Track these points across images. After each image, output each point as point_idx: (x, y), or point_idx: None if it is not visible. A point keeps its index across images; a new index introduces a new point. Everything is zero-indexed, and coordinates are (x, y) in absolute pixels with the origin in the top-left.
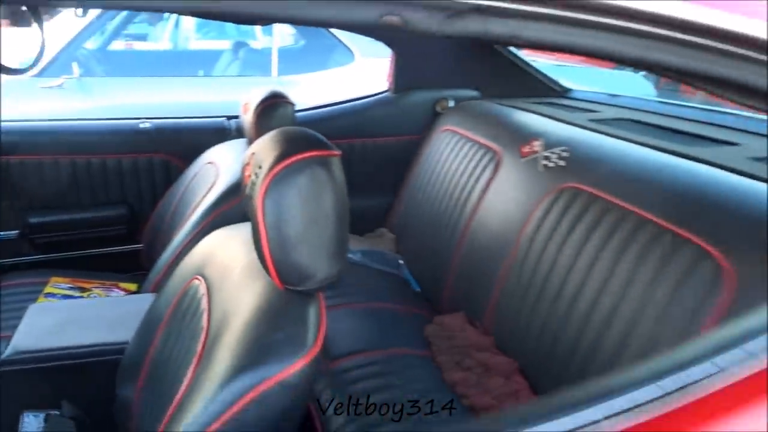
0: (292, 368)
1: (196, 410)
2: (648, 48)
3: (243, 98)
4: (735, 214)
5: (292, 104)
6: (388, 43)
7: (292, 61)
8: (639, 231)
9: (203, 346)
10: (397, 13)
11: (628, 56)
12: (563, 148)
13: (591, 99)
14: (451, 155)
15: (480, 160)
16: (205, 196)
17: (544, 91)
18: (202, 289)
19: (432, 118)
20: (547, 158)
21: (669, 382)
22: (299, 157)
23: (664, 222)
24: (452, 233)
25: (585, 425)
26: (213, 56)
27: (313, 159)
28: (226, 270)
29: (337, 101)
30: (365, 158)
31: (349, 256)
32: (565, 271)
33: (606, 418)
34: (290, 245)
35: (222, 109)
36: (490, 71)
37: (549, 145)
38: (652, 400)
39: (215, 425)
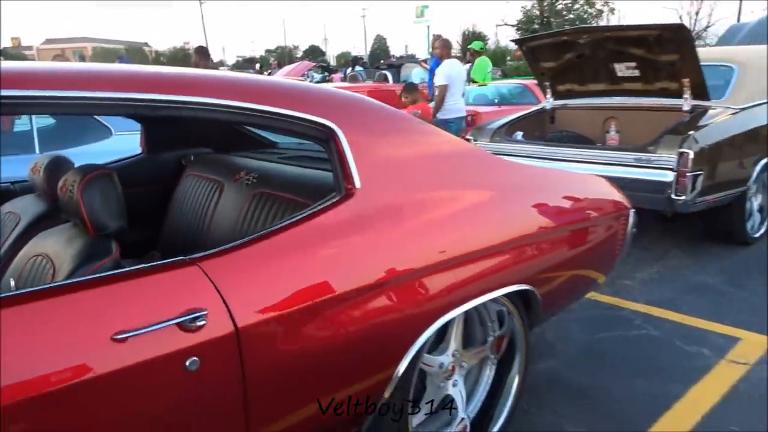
0: (105, 261)
1: None
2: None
3: (30, 164)
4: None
5: (72, 162)
6: (136, 119)
7: (51, 139)
8: (286, 205)
9: (53, 274)
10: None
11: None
12: (255, 173)
13: (287, 146)
14: (196, 189)
15: (212, 188)
16: (12, 230)
17: (259, 145)
18: (42, 258)
19: (179, 168)
20: (248, 180)
21: None
22: (95, 173)
23: (300, 198)
24: (199, 237)
25: None
26: None
27: (101, 173)
28: (56, 241)
29: (100, 164)
30: (132, 203)
31: None
32: None
33: None
34: (96, 211)
35: None
36: (219, 134)
37: (249, 172)
38: None
39: None
